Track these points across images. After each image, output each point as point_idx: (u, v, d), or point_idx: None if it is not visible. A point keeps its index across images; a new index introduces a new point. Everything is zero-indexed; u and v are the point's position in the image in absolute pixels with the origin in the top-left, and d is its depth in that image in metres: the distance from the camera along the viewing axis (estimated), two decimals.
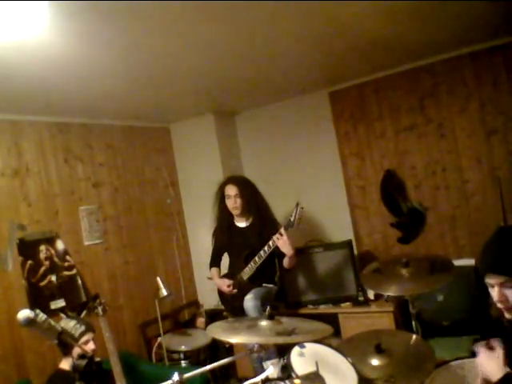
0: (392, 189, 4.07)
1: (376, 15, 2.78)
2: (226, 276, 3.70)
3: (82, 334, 2.62)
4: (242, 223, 3.63)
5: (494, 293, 1.53)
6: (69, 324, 2.64)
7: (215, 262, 3.81)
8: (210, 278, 3.82)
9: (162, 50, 2.83)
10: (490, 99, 3.77)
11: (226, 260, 3.81)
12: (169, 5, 2.19)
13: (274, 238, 3.28)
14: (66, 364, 2.60)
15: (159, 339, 3.88)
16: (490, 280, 1.54)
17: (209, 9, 2.31)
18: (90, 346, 2.61)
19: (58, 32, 2.29)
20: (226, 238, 3.68)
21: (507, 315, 1.53)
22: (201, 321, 4.45)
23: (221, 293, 3.72)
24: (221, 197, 3.64)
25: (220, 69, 3.37)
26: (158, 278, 3.67)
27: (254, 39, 2.89)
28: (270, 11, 2.48)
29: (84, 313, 3.57)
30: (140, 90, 3.56)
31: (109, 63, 2.87)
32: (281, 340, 1.85)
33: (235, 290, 3.55)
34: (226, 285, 3.57)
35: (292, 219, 3.25)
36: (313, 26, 2.81)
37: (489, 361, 1.54)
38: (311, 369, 1.83)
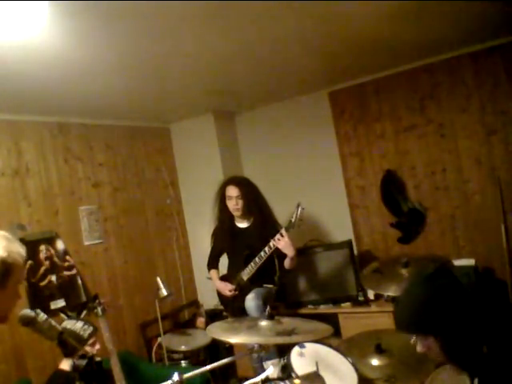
0: (392, 189, 4.07)
1: (376, 15, 2.78)
2: (225, 277, 3.70)
3: (91, 335, 2.61)
4: (242, 224, 3.62)
5: (417, 346, 1.48)
6: (76, 325, 2.61)
7: (214, 263, 3.80)
8: (210, 278, 3.81)
9: (161, 51, 2.83)
10: (490, 99, 3.77)
11: (224, 261, 3.81)
12: (168, 5, 2.19)
13: (275, 238, 3.27)
14: (65, 364, 2.60)
15: (159, 339, 3.88)
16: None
17: (208, 9, 2.31)
18: (97, 347, 2.61)
19: (58, 32, 2.29)
20: (227, 239, 3.67)
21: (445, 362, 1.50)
22: (201, 321, 4.45)
23: (220, 294, 3.72)
24: (221, 197, 3.62)
25: (220, 69, 3.37)
26: (158, 278, 3.66)
27: (253, 39, 2.89)
28: (270, 11, 2.48)
29: (84, 313, 3.57)
30: (140, 89, 3.56)
31: (109, 63, 2.87)
32: (281, 340, 1.86)
33: (237, 292, 3.54)
34: (227, 289, 3.56)
35: (293, 220, 3.24)
36: (313, 26, 2.81)
37: None
38: (311, 369, 1.84)
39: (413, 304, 1.46)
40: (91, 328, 2.65)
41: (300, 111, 4.62)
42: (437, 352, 1.42)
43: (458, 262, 3.32)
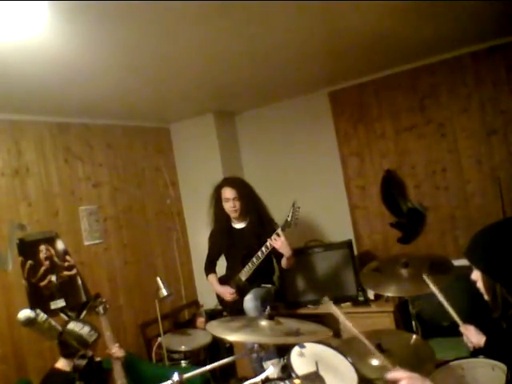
0: (392, 189, 4.07)
1: (376, 15, 2.78)
2: (223, 278, 3.70)
3: (95, 341, 2.63)
4: (239, 224, 3.62)
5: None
6: (84, 329, 2.62)
7: (211, 267, 3.80)
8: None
9: (161, 51, 2.83)
10: (490, 99, 3.77)
11: (222, 262, 3.81)
12: (168, 5, 2.19)
13: (272, 238, 3.27)
14: (61, 364, 2.60)
15: (159, 339, 3.88)
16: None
17: (208, 9, 2.31)
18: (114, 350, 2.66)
19: (58, 32, 2.29)
20: (224, 240, 3.66)
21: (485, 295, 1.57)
22: (201, 321, 4.45)
23: (220, 297, 3.72)
24: (217, 199, 3.62)
25: (220, 69, 3.37)
26: (158, 278, 3.66)
27: (253, 39, 2.89)
28: (270, 11, 2.48)
29: (84, 313, 3.57)
30: (140, 89, 3.56)
31: (109, 63, 2.87)
32: (281, 340, 1.85)
33: (238, 297, 3.54)
34: (228, 292, 3.56)
35: (289, 219, 3.25)
36: (312, 26, 2.81)
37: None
38: (311, 369, 1.84)
39: (480, 237, 1.55)
40: (96, 334, 2.70)
41: (300, 111, 4.62)
42: (482, 285, 1.55)
43: (457, 262, 3.31)
